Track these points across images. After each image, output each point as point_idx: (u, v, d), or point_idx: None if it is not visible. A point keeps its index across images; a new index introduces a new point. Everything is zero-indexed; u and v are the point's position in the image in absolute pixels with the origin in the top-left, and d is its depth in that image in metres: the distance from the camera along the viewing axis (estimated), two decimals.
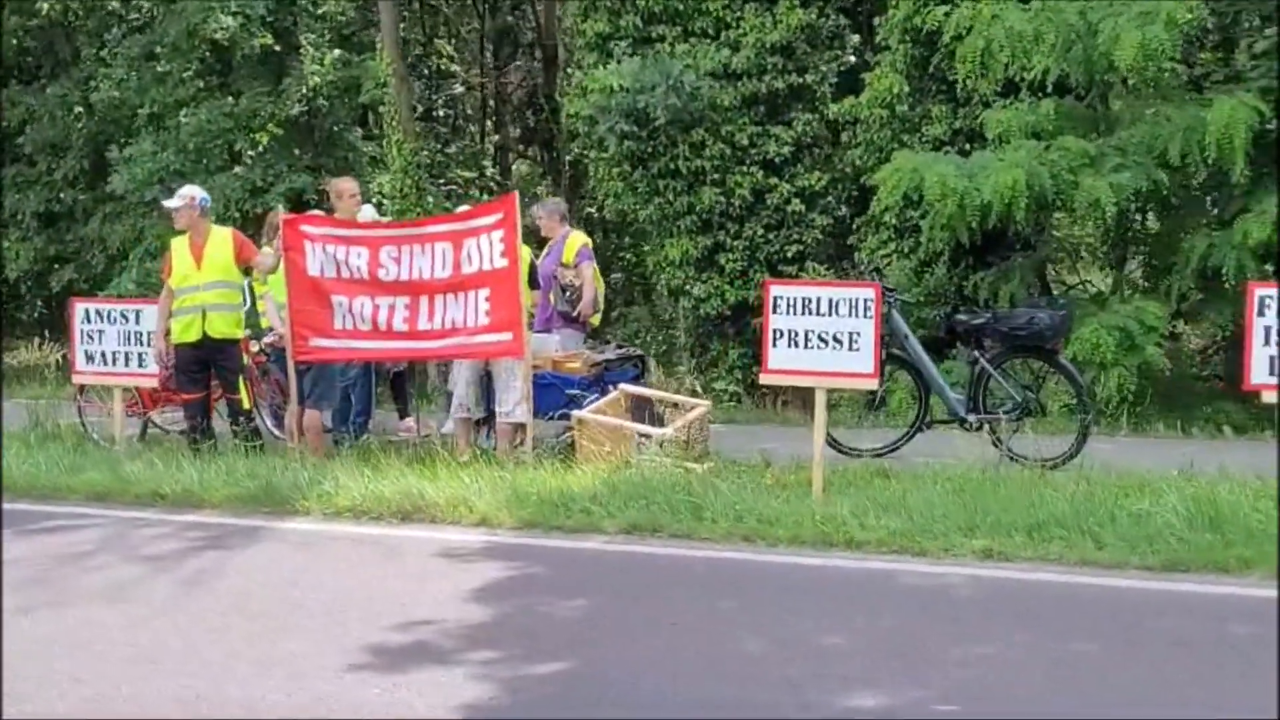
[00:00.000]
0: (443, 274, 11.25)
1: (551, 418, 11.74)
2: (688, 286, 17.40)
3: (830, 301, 9.84)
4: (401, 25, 23.04)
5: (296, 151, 20.91)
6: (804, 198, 17.12)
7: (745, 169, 17.11)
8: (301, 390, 12.04)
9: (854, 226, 17.20)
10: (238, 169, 20.31)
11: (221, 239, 11.75)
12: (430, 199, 20.28)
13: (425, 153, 21.02)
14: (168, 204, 12.06)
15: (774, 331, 9.97)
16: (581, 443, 11.00)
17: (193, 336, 11.63)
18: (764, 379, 10.29)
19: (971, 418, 11.37)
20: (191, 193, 11.89)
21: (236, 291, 11.90)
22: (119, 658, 6.41)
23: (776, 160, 17.10)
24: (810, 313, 9.87)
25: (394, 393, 14.09)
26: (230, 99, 20.32)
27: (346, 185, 12.96)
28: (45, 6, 23.05)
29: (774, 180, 17.12)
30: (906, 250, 16.09)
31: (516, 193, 11.51)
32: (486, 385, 11.91)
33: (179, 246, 11.81)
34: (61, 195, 23.58)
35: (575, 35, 19.37)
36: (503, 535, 8.98)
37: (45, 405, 13.72)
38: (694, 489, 9.18)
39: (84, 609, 7.38)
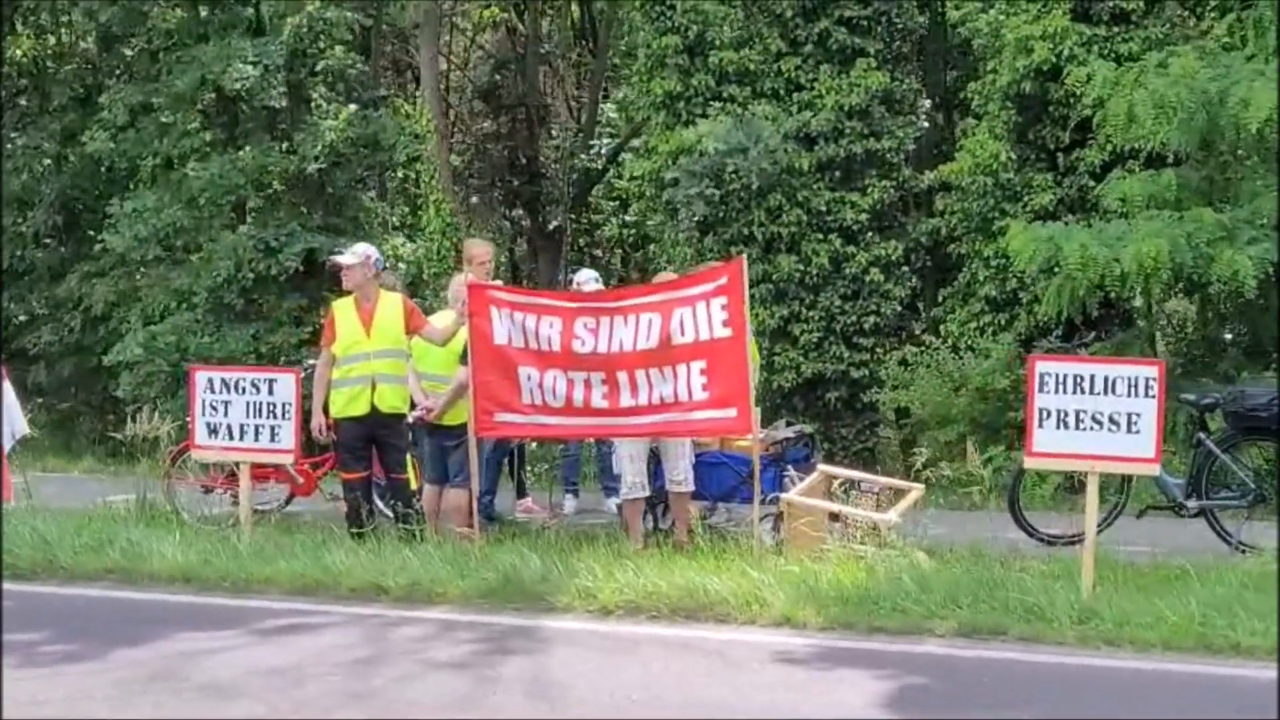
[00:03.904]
0: (647, 345, 10.28)
1: (716, 499, 11.25)
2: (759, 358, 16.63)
3: (1106, 379, 9.13)
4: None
5: (304, 210, 19.66)
6: (881, 267, 16.49)
7: (823, 236, 16.44)
8: (446, 469, 11.15)
9: (938, 299, 16.60)
10: (243, 228, 19.06)
11: (393, 304, 10.72)
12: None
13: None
14: (339, 259, 10.87)
15: (1040, 411, 9.22)
16: (794, 526, 10.19)
17: (360, 410, 10.55)
18: (1029, 463, 9.56)
19: (1191, 504, 10.76)
20: (367, 251, 10.83)
21: (405, 362, 10.84)
22: None
23: (854, 227, 16.47)
24: (1083, 391, 9.17)
25: (510, 471, 13.10)
26: (239, 153, 19.03)
27: (479, 251, 12.08)
28: (19, 54, 21.73)
29: (851, 249, 16.47)
30: (1003, 323, 15.53)
31: (744, 257, 10.66)
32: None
33: (344, 310, 10.72)
34: (20, 252, 22.05)
35: (640, 97, 18.43)
36: (816, 636, 8.06)
37: (146, 481, 12.38)
38: (1024, 586, 8.38)
39: None
